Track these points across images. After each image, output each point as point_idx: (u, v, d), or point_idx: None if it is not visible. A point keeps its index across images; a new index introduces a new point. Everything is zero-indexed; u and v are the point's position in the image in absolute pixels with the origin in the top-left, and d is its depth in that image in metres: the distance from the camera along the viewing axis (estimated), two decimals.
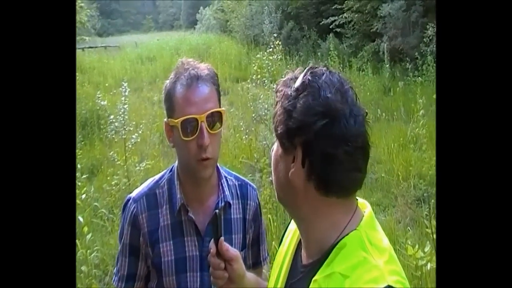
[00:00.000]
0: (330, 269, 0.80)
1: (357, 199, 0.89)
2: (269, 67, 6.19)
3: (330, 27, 11.63)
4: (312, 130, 0.79)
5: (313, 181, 0.82)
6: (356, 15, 11.15)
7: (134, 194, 1.32)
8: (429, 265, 2.80)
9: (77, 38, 9.37)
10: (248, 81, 7.54)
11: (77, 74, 10.41)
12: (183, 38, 18.10)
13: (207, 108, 1.19)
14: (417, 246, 2.96)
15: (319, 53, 11.52)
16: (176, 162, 1.32)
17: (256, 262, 1.41)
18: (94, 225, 3.79)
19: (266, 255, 1.44)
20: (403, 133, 5.82)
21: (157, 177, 1.34)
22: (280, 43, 6.70)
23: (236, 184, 1.37)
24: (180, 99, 1.20)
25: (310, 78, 0.83)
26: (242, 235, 1.34)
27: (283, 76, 0.91)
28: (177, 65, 1.25)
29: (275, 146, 0.90)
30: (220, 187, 1.32)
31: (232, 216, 1.33)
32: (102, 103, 5.17)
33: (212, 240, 1.03)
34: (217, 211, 1.03)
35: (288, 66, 9.27)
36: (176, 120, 1.19)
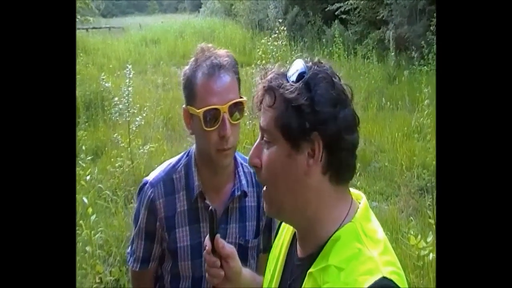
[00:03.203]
0: (325, 261, 0.80)
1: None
2: (273, 53, 6.15)
3: (336, 13, 11.49)
4: (336, 120, 0.79)
5: (330, 171, 0.82)
6: (362, 2, 10.99)
7: (151, 178, 1.32)
8: (431, 255, 2.82)
9: (81, 18, 9.29)
10: (253, 66, 7.47)
11: (81, 54, 10.38)
12: (188, 21, 17.93)
13: (229, 98, 1.18)
14: (419, 236, 2.98)
15: (323, 40, 11.41)
16: (193, 146, 1.31)
17: (267, 247, 1.41)
18: (98, 207, 3.81)
19: None
20: (408, 122, 5.80)
21: (173, 161, 1.34)
22: (285, 28, 6.65)
23: (252, 171, 1.36)
24: (201, 88, 1.18)
25: (317, 68, 0.82)
26: (256, 222, 1.35)
27: (258, 78, 0.85)
28: (196, 51, 1.23)
29: (272, 151, 0.82)
30: (237, 175, 1.32)
31: (247, 204, 1.34)
32: (106, 85, 5.15)
33: (208, 236, 0.99)
34: (212, 208, 1.00)
35: (293, 52, 9.19)
36: (198, 110, 1.18)
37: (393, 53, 9.22)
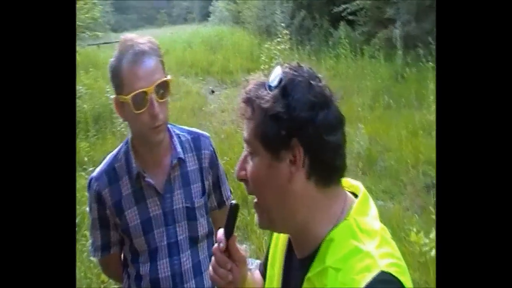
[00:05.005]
0: (322, 264, 0.78)
1: (346, 183, 0.89)
2: (277, 57, 6.18)
3: (342, 15, 11.46)
4: (315, 124, 0.77)
5: (315, 176, 0.80)
6: (369, 2, 10.94)
7: (95, 173, 1.43)
8: (433, 252, 2.78)
9: (90, 34, 9.51)
10: (258, 71, 7.51)
11: (91, 69, 10.58)
12: (196, 31, 18.08)
13: (154, 79, 1.27)
14: (421, 233, 2.94)
15: (330, 42, 11.39)
16: (129, 135, 1.41)
17: (220, 202, 1.54)
18: None
19: (229, 194, 1.55)
20: (413, 120, 5.73)
21: (114, 151, 1.45)
22: (288, 32, 6.68)
23: (189, 138, 1.46)
24: (128, 75, 1.27)
25: (293, 72, 0.81)
26: (201, 183, 1.45)
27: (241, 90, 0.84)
28: (120, 43, 1.32)
29: (255, 162, 0.82)
30: (172, 145, 1.41)
31: (188, 169, 1.43)
32: (111, 96, 5.22)
33: (223, 232, 0.92)
34: (233, 202, 0.93)
35: (299, 56, 9.19)
36: (126, 96, 1.26)
37: (400, 51, 9.12)
